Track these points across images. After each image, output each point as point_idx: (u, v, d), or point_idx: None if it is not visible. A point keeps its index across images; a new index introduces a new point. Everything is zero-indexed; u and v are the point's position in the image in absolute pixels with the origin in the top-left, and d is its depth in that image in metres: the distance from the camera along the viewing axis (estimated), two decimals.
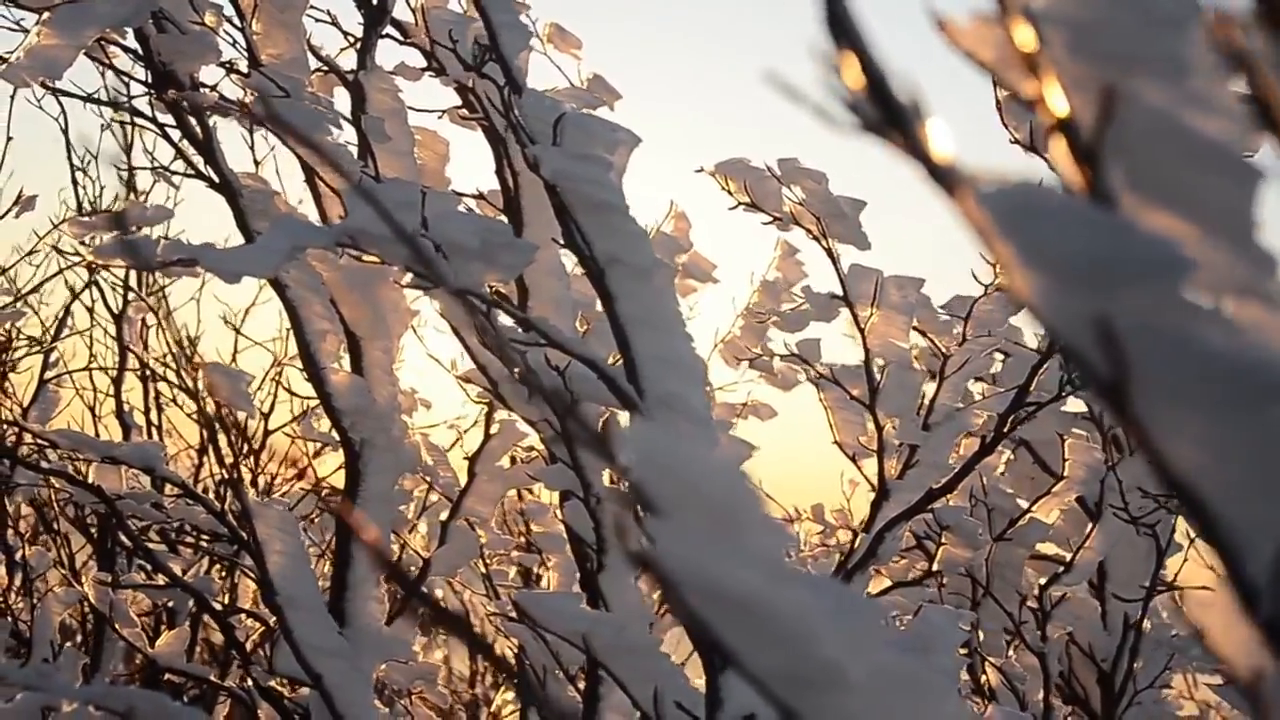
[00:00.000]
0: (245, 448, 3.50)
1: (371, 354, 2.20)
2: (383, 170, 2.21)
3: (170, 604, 3.34)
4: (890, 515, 2.53)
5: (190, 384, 3.82)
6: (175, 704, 1.64)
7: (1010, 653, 3.13)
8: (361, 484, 2.15)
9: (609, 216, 1.48)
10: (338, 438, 2.19)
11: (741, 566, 0.66)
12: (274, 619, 1.89)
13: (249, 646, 2.49)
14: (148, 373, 3.30)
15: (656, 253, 2.67)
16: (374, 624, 2.09)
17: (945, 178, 0.49)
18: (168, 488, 2.66)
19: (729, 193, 2.69)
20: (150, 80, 2.16)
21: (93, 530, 3.54)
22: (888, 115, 0.49)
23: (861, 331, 2.70)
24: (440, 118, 2.43)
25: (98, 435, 3.75)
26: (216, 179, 2.21)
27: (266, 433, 3.68)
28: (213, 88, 2.25)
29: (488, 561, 3.30)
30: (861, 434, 2.79)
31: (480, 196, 2.43)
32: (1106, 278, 0.47)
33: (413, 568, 2.42)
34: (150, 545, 3.37)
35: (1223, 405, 0.46)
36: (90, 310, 4.04)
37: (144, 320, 3.98)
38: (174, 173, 2.28)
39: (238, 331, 4.16)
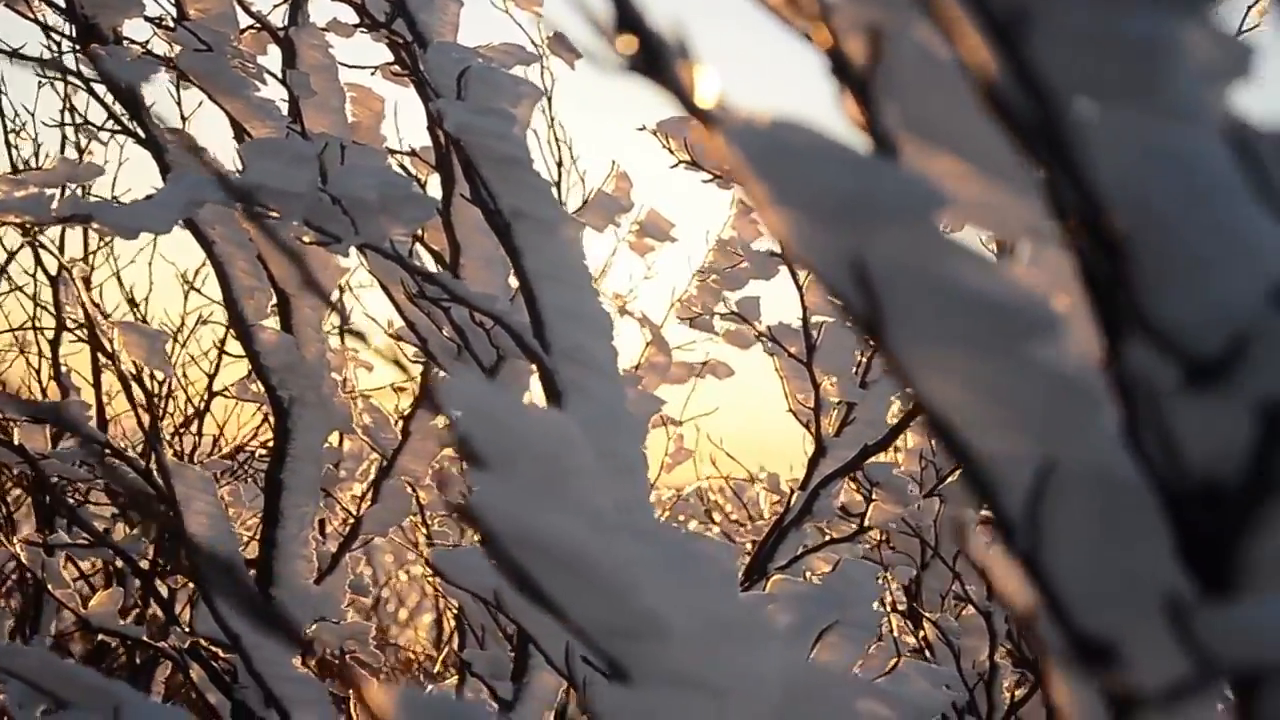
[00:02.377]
0: (166, 406, 3.49)
1: (300, 311, 2.19)
2: (312, 127, 2.19)
3: (119, 564, 3.33)
4: (826, 472, 2.54)
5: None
6: (106, 681, 1.63)
7: (955, 612, 3.15)
8: (290, 442, 2.14)
9: (512, 170, 1.47)
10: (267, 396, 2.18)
11: (562, 518, 0.66)
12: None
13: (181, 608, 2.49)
14: (88, 334, 3.28)
15: (598, 212, 2.66)
16: (303, 583, 2.08)
17: (703, 117, 0.48)
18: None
19: (670, 151, 2.68)
20: (75, 34, 2.14)
21: (31, 491, 3.53)
22: (646, 54, 0.49)
23: (800, 289, 2.70)
24: (373, 74, 2.41)
25: (45, 397, 3.73)
26: (143, 135, 2.19)
27: (211, 393, 3.66)
28: (145, 46, 2.23)
29: (428, 522, 3.30)
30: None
31: (413, 153, 2.41)
32: (860, 216, 0.46)
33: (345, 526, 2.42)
34: (96, 505, 3.37)
35: (977, 342, 0.46)
36: (33, 272, 4.01)
37: (87, 281, 3.95)
38: (102, 129, 2.26)
39: (193, 288, 4.13)
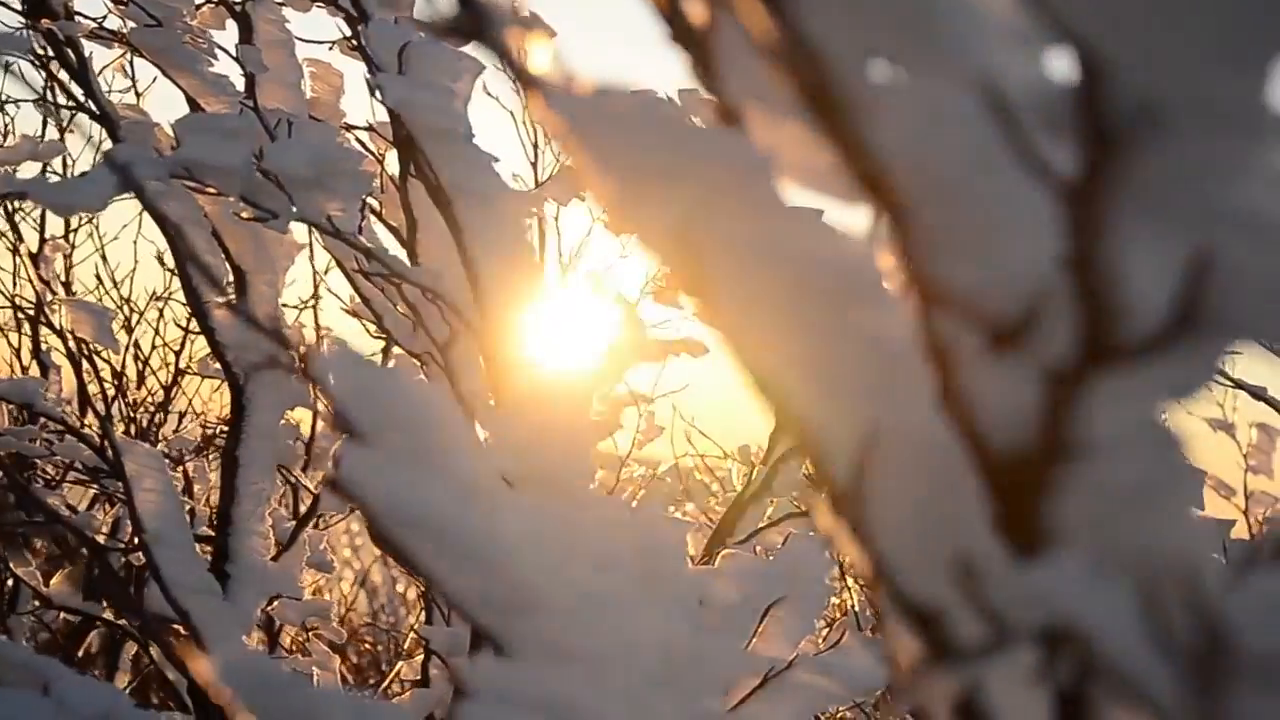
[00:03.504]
0: (123, 383, 3.48)
1: (256, 287, 2.19)
2: (267, 102, 2.19)
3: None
4: (789, 446, 2.54)
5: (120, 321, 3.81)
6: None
7: None
8: (246, 419, 2.14)
9: (452, 145, 1.47)
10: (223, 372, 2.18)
11: (435, 490, 0.66)
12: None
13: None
14: (35, 312, 3.27)
15: (562, 186, 2.65)
16: (258, 560, 2.08)
17: (527, 81, 0.48)
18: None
19: None
20: (24, 8, 2.13)
21: None
22: (471, 18, 0.49)
23: None
24: (331, 49, 2.40)
25: (26, 374, 3.72)
26: (96, 110, 2.18)
27: (179, 371, 3.66)
28: (100, 22, 2.22)
29: None
30: None
31: (370, 129, 2.41)
32: (685, 182, 0.46)
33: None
34: (69, 482, 3.37)
35: (804, 308, 0.46)
36: (13, 250, 4.00)
37: (68, 259, 3.95)
38: (55, 105, 2.25)
39: (170, 271, 4.12)
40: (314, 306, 3.27)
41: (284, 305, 3.38)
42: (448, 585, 0.67)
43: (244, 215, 1.47)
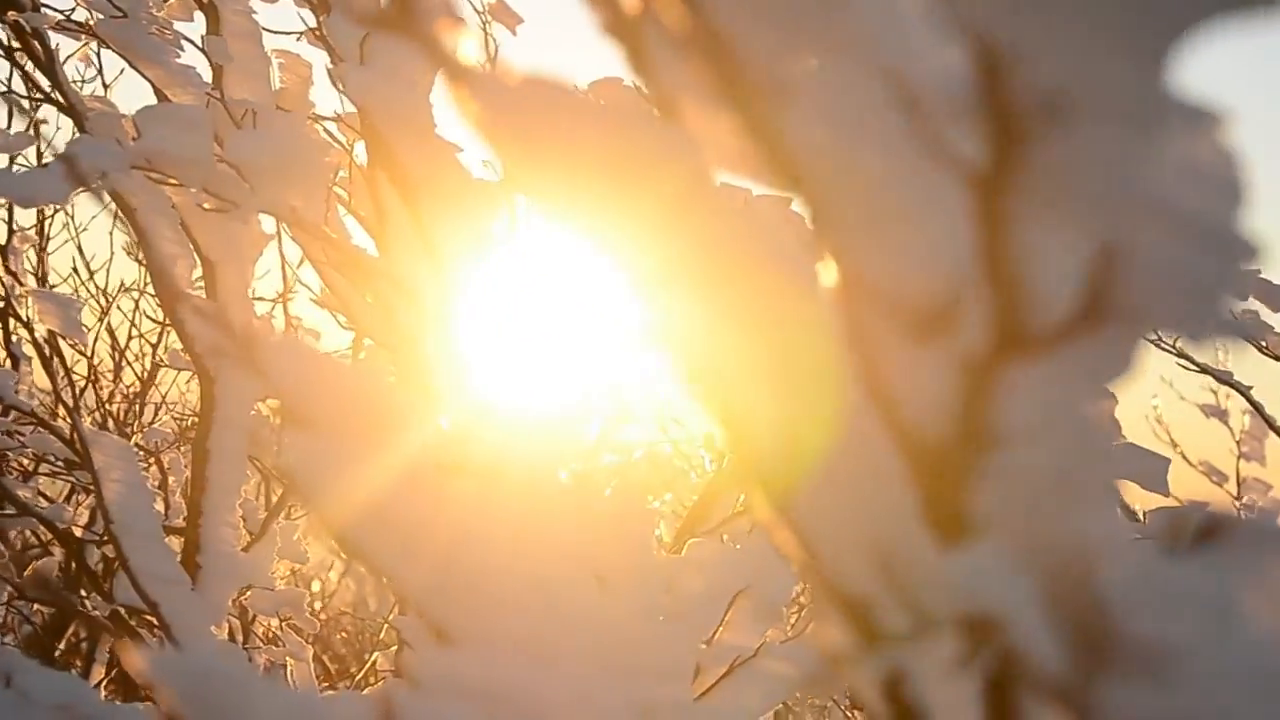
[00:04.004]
0: (93, 376, 3.48)
1: (226, 279, 2.18)
2: (234, 93, 2.18)
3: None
4: None
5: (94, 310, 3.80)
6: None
7: None
8: (217, 410, 2.14)
9: (415, 135, 1.46)
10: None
11: (383, 479, 0.66)
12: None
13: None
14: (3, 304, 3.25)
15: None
16: (229, 550, 2.08)
17: (453, 72, 0.48)
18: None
19: None
20: None
21: None
22: (400, 10, 0.49)
23: None
24: (298, 40, 2.40)
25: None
26: (64, 102, 2.17)
27: (155, 364, 3.65)
28: (68, 15, 2.21)
29: None
30: None
31: (339, 119, 2.40)
32: (619, 170, 0.47)
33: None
34: (43, 474, 3.36)
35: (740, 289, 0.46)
36: None
37: (41, 250, 3.93)
38: (22, 97, 2.24)
39: (139, 263, 4.11)
40: (286, 299, 3.27)
41: (258, 297, 3.38)
42: (394, 573, 0.67)
43: (206, 206, 1.47)
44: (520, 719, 0.62)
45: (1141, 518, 2.52)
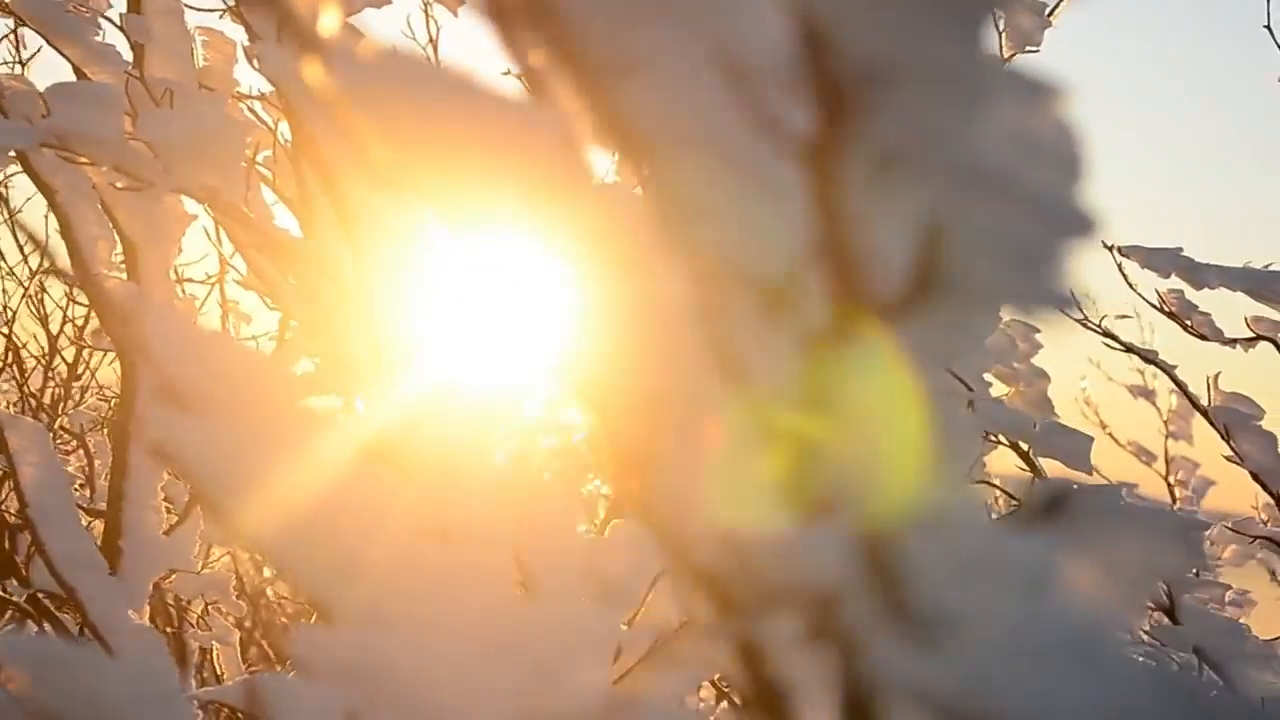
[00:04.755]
0: (17, 358, 3.44)
1: (148, 260, 2.16)
2: (156, 71, 2.15)
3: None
4: None
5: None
6: None
7: None
8: (139, 394, 2.12)
9: (331, 117, 1.45)
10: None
11: (263, 457, 0.66)
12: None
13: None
14: None
15: None
16: (152, 534, 2.07)
17: (307, 44, 0.48)
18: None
19: None
20: None
21: None
22: None
23: None
24: (221, 17, 2.37)
25: None
26: None
27: (80, 344, 3.61)
28: None
29: None
30: None
31: (263, 98, 2.38)
32: (466, 149, 0.46)
33: None
34: None
35: (585, 275, 0.46)
36: None
37: None
38: None
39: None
40: (222, 281, 3.24)
41: (190, 280, 3.35)
42: (273, 551, 0.66)
43: (119, 185, 1.45)
44: (401, 700, 0.61)
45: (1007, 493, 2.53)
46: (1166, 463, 5.33)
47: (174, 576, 2.24)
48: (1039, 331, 3.17)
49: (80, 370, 3.77)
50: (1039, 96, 0.36)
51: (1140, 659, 0.26)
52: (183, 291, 3.25)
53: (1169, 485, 5.28)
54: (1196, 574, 2.50)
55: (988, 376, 2.83)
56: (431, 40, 3.60)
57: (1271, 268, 2.47)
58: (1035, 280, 0.35)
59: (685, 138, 0.38)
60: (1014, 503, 2.28)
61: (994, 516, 0.42)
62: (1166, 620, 2.29)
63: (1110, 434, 5.71)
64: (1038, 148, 0.36)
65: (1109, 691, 0.25)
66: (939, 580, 0.28)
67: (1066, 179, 0.37)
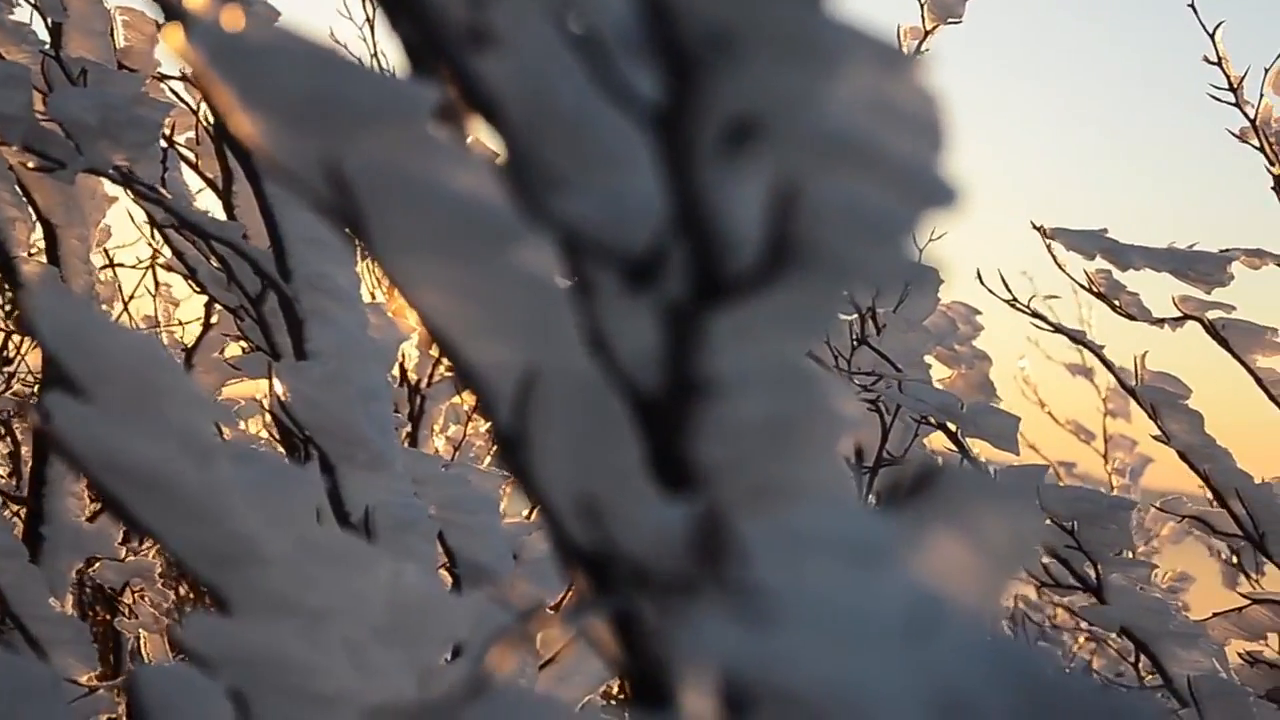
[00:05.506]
0: None
1: (67, 242, 2.13)
2: (74, 51, 2.12)
3: None
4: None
5: None
6: None
7: None
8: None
9: None
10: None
11: (150, 442, 0.64)
12: None
13: None
14: None
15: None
16: (73, 521, 2.04)
17: (168, 11, 0.46)
18: None
19: None
20: None
21: None
22: None
23: None
24: None
25: None
26: None
27: (9, 330, 3.56)
28: None
29: None
30: None
31: (185, 78, 2.35)
32: (331, 118, 0.45)
33: None
34: None
35: (460, 248, 0.45)
36: None
37: None
38: None
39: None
40: (155, 264, 3.20)
41: (120, 265, 3.30)
42: (167, 538, 0.65)
43: (29, 165, 1.43)
44: (289, 685, 0.61)
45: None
46: (1105, 441, 5.37)
47: (98, 564, 2.21)
48: (979, 313, 3.19)
49: (10, 355, 3.72)
50: (899, 65, 0.35)
51: (986, 637, 0.25)
52: (115, 274, 3.21)
53: (1106, 463, 5.33)
54: (1122, 553, 2.52)
55: (928, 359, 2.84)
56: (369, 19, 3.57)
57: (1196, 248, 2.49)
58: (891, 252, 0.35)
59: (539, 107, 0.37)
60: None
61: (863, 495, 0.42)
62: (1094, 600, 2.31)
63: (1049, 413, 5.74)
64: (898, 116, 0.35)
65: (938, 669, 0.24)
66: (770, 555, 0.27)
67: (928, 148, 0.36)
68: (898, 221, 0.35)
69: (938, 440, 2.70)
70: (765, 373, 0.39)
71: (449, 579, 1.34)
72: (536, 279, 0.44)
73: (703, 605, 0.27)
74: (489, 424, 0.47)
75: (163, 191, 1.62)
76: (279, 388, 1.26)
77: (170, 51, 0.46)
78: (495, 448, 0.47)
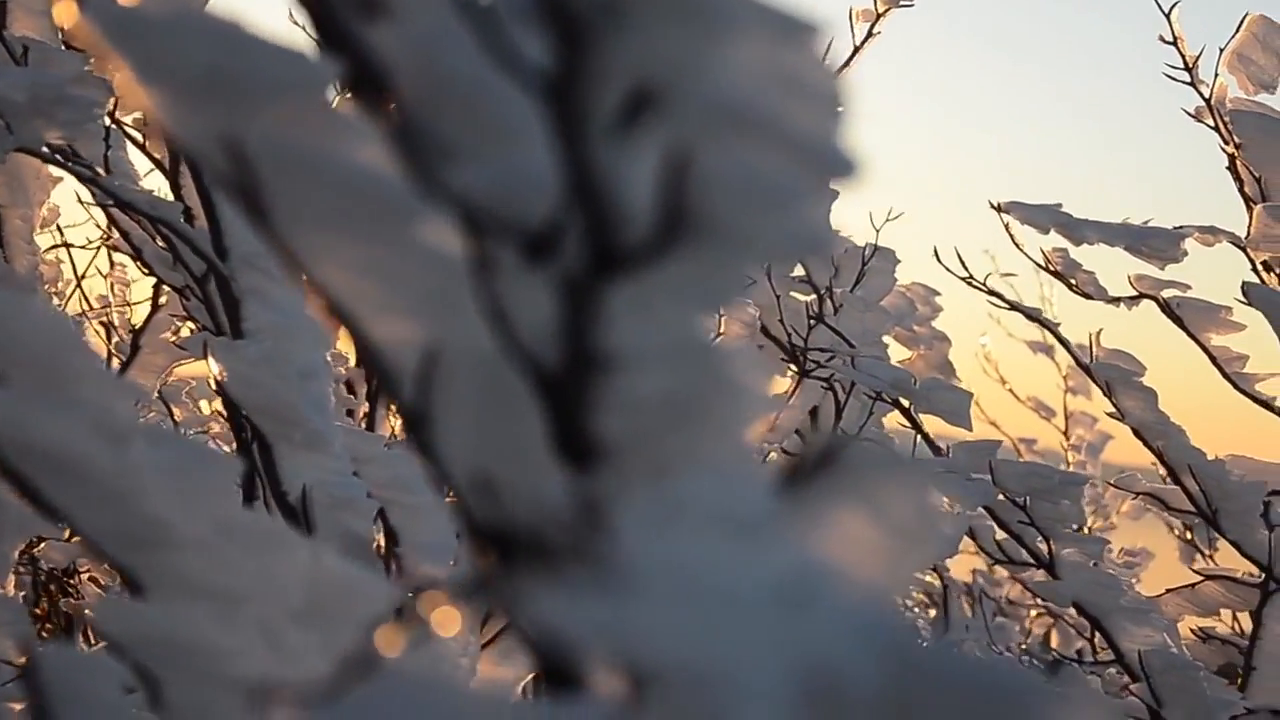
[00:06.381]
0: None
1: (10, 223, 2.10)
2: (18, 29, 2.09)
3: None
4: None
5: None
6: None
7: None
8: None
9: None
10: None
11: (62, 423, 0.63)
12: None
13: None
14: None
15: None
16: (14, 500, 2.01)
17: None
18: None
19: None
20: None
21: None
22: None
23: None
24: None
25: None
26: None
27: None
28: None
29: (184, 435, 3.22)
30: None
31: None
32: (231, 92, 0.44)
33: None
34: None
35: (363, 225, 0.44)
36: None
37: None
38: None
39: None
40: (108, 244, 3.16)
41: (69, 245, 3.27)
42: (79, 521, 0.64)
43: None
44: (202, 668, 0.60)
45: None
46: (1066, 418, 5.39)
47: (43, 545, 2.19)
48: (938, 294, 3.19)
49: None
50: (797, 35, 0.34)
51: (864, 612, 0.25)
52: (69, 255, 3.18)
53: (1066, 439, 5.35)
54: (1080, 529, 2.53)
55: (887, 339, 2.84)
56: None
57: (1150, 224, 2.49)
58: (786, 222, 0.34)
59: (431, 77, 0.36)
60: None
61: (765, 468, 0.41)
62: (1046, 576, 2.32)
63: (1010, 390, 5.75)
64: (795, 86, 0.35)
65: (807, 644, 0.23)
66: (644, 526, 0.26)
67: (825, 119, 0.35)
68: (792, 191, 0.34)
69: (894, 419, 2.70)
70: (664, 346, 0.38)
71: (391, 559, 1.33)
72: (440, 254, 0.43)
73: (566, 578, 0.26)
74: (393, 402, 0.46)
75: (100, 170, 1.60)
76: (214, 367, 1.24)
77: (64, 26, 0.45)
78: (401, 426, 0.46)
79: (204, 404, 2.96)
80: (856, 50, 2.84)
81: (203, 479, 0.63)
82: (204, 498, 0.63)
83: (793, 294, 2.91)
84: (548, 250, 0.38)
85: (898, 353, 2.95)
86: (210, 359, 1.24)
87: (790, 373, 2.95)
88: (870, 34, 2.78)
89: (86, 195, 2.35)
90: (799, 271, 2.94)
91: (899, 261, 3.04)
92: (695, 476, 0.28)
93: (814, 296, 2.81)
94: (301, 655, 0.61)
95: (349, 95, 0.40)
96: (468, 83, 0.36)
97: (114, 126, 1.99)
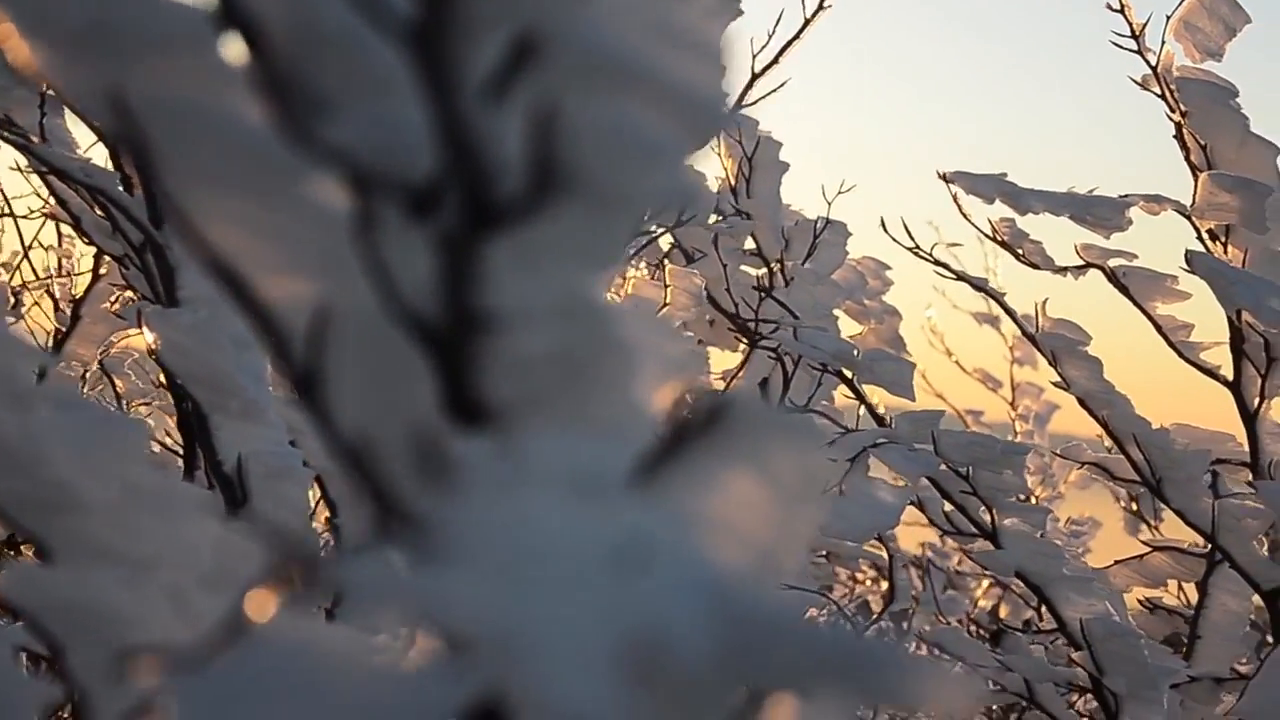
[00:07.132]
0: None
1: None
2: None
3: None
4: None
5: None
6: None
7: None
8: None
9: None
10: None
11: None
12: None
13: None
14: None
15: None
16: None
17: None
18: None
19: None
20: None
21: None
22: None
23: None
24: None
25: None
26: None
27: None
28: None
29: (128, 408, 3.20)
30: None
31: None
32: (116, 46, 0.43)
33: None
34: None
35: (252, 182, 0.43)
36: None
37: None
38: None
39: None
40: (54, 214, 3.13)
41: (10, 215, 3.23)
42: None
43: None
44: (107, 634, 0.59)
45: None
46: (1013, 389, 5.42)
47: None
48: (889, 268, 3.19)
49: None
50: None
51: (705, 576, 0.24)
52: (17, 224, 3.14)
53: (1013, 410, 5.38)
54: (1022, 499, 2.54)
55: (837, 313, 2.84)
56: None
57: (1096, 192, 2.50)
58: (661, 176, 0.34)
59: (301, 28, 0.36)
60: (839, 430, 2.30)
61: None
62: (989, 544, 2.33)
63: (957, 362, 5.77)
64: (676, 38, 0.34)
65: (639, 609, 0.23)
66: (479, 486, 0.26)
67: (706, 71, 0.35)
68: (667, 145, 0.33)
69: (842, 391, 2.70)
70: (549, 305, 0.38)
71: (332, 530, 1.33)
72: (331, 212, 0.42)
73: (402, 543, 0.26)
74: (282, 365, 0.45)
75: (32, 137, 1.58)
76: (149, 336, 1.23)
77: None
78: (290, 386, 0.45)
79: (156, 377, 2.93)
80: (807, 22, 2.84)
81: (110, 443, 0.62)
82: (112, 462, 0.62)
83: (743, 267, 2.91)
84: (429, 206, 0.37)
85: (849, 327, 2.95)
86: (145, 328, 1.23)
87: (740, 345, 2.96)
88: (821, 5, 2.78)
89: (25, 163, 2.32)
90: (750, 245, 2.94)
91: (850, 235, 3.04)
92: (549, 437, 0.28)
93: (764, 270, 2.81)
94: (208, 621, 0.60)
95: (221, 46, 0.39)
96: (338, 34, 0.35)
97: (50, 93, 1.97)
